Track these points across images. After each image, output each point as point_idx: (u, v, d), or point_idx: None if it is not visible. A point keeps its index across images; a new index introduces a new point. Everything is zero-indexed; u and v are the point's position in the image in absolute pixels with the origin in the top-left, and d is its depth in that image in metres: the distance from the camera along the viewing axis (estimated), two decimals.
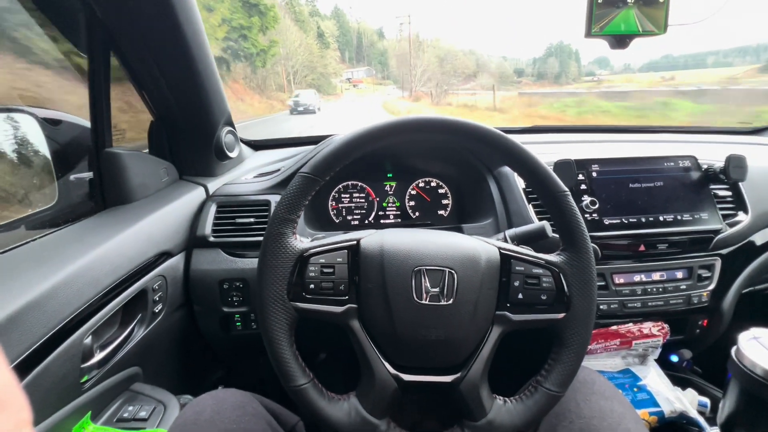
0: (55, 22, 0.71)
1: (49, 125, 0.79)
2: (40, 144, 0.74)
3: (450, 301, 0.49)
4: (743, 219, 0.88)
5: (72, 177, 0.77)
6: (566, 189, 0.52)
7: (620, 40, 0.81)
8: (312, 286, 0.51)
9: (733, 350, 0.70)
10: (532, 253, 0.54)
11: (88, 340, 0.57)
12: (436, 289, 0.50)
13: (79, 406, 0.57)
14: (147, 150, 0.92)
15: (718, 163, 0.88)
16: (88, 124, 0.80)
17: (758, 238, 0.91)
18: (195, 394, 0.67)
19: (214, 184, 0.93)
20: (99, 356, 0.60)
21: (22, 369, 0.47)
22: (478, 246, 0.53)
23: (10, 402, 0.22)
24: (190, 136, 0.90)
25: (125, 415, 0.63)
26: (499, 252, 0.53)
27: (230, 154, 0.97)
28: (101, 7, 0.67)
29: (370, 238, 0.53)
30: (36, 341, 0.48)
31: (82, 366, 0.56)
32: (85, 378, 0.58)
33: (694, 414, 0.78)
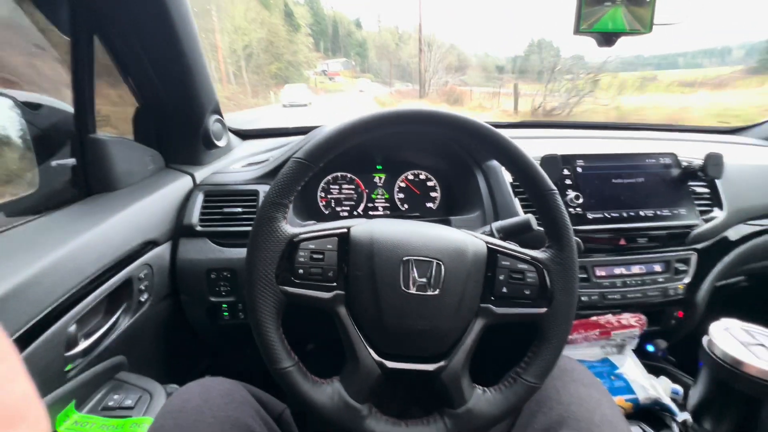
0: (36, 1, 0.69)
1: (29, 109, 0.76)
2: (20, 128, 0.71)
3: (436, 292, 0.50)
4: (718, 215, 0.91)
5: (53, 163, 0.75)
6: (554, 188, 0.53)
7: (607, 38, 0.83)
8: (301, 271, 0.51)
9: (704, 340, 0.73)
10: (518, 248, 0.55)
11: (72, 329, 0.57)
12: (424, 279, 0.50)
13: (63, 395, 0.56)
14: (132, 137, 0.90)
15: (697, 160, 0.91)
16: (70, 108, 0.78)
17: (732, 234, 0.95)
18: (181, 383, 0.67)
19: (201, 173, 0.91)
20: (83, 345, 0.59)
21: None
22: (467, 239, 0.54)
23: (29, 414, 0.21)
24: (177, 124, 0.89)
25: (110, 403, 0.63)
26: (487, 246, 0.54)
27: (218, 143, 0.96)
28: None
29: (361, 227, 0.54)
30: (18, 329, 0.47)
31: (66, 354, 0.56)
32: (69, 366, 0.57)
33: (667, 401, 0.82)
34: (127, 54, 0.74)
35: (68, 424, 0.57)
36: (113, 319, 0.66)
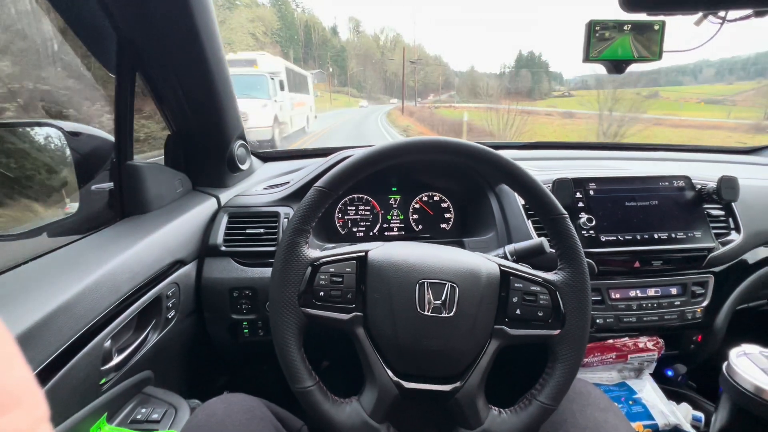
0: (86, 43, 0.76)
1: (72, 137, 0.83)
2: (65, 155, 0.78)
3: (451, 314, 0.52)
4: (735, 238, 0.91)
5: (93, 187, 0.81)
6: (565, 212, 0.55)
7: (617, 66, 0.86)
8: (321, 293, 0.54)
9: (724, 366, 0.72)
10: (531, 271, 0.56)
11: (107, 344, 0.60)
12: (438, 302, 0.52)
13: (97, 407, 0.59)
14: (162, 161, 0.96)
15: (711, 183, 0.91)
16: (105, 135, 0.84)
17: (750, 257, 0.94)
18: (202, 398, 0.70)
19: (225, 195, 0.96)
20: (117, 359, 0.63)
21: (49, 369, 0.50)
22: (480, 262, 0.56)
23: (26, 398, 0.21)
24: (205, 149, 0.95)
25: (138, 417, 0.66)
26: (500, 269, 0.56)
27: (242, 167, 1.01)
28: (130, 30, 0.71)
29: (378, 250, 0.56)
30: (63, 343, 0.51)
31: (102, 368, 0.59)
32: (104, 380, 0.60)
33: (687, 427, 0.80)
34: (163, 87, 0.81)
35: None
36: (143, 334, 0.70)
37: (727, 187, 0.88)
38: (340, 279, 0.54)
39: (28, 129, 0.74)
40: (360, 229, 1.04)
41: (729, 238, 0.91)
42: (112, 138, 0.80)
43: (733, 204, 0.93)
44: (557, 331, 0.54)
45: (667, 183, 0.92)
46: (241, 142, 1.00)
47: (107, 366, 0.61)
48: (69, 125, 0.84)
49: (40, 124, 0.76)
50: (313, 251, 0.55)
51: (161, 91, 0.81)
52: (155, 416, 0.66)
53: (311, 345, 0.63)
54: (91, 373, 0.57)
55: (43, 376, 0.49)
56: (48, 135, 0.75)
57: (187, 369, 0.89)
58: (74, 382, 0.54)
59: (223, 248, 0.86)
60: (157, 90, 0.81)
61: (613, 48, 0.84)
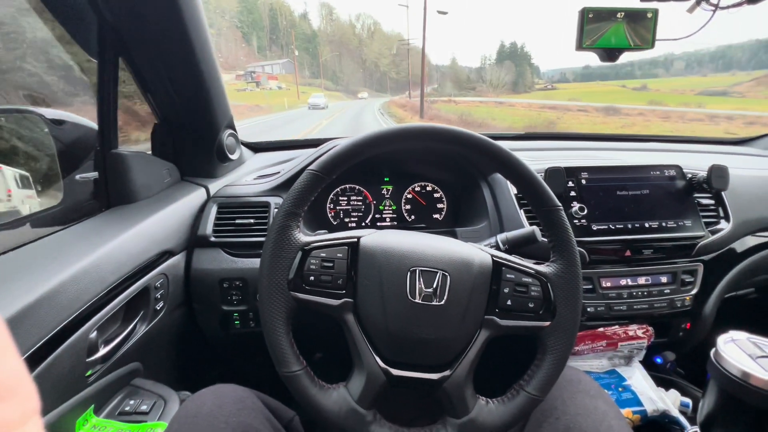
0: (67, 27, 0.73)
1: (55, 125, 0.81)
2: (48, 144, 0.76)
3: (442, 302, 0.52)
4: (725, 227, 0.92)
5: (77, 177, 0.79)
6: (559, 204, 0.54)
7: (610, 54, 0.85)
8: (312, 278, 0.53)
9: (712, 352, 0.73)
10: (523, 262, 0.56)
11: (93, 335, 0.59)
12: (429, 290, 0.52)
13: (83, 399, 0.58)
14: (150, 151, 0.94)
15: (702, 172, 0.91)
16: (90, 124, 0.82)
17: (739, 246, 0.95)
18: (193, 390, 0.69)
19: (215, 186, 0.95)
20: (103, 351, 0.62)
21: (32, 360, 0.49)
22: (472, 252, 0.55)
23: (19, 390, 0.21)
24: (193, 139, 0.93)
25: (127, 408, 0.65)
26: (492, 259, 0.55)
27: (231, 156, 1.00)
28: (113, 14, 0.69)
29: (371, 237, 0.56)
30: (46, 334, 0.50)
31: (87, 360, 0.58)
32: (90, 372, 0.59)
33: (675, 413, 0.81)
34: (148, 74, 0.79)
35: (87, 428, 0.59)
36: (131, 326, 0.69)
37: (717, 176, 0.89)
38: (330, 264, 0.54)
39: (4, 116, 0.72)
40: (352, 219, 1.03)
41: (718, 227, 0.92)
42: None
43: (723, 193, 0.94)
44: (547, 323, 0.53)
45: (658, 172, 0.92)
46: (231, 131, 0.99)
47: (93, 357, 0.60)
48: (52, 113, 0.81)
49: (19, 111, 0.73)
50: (304, 236, 0.55)
51: (146, 77, 0.79)
52: (144, 408, 0.65)
53: (306, 335, 0.62)
54: (76, 365, 0.56)
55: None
56: (27, 123, 0.73)
57: (177, 361, 0.89)
58: (58, 374, 0.53)
59: (213, 239, 0.85)
60: (141, 76, 0.78)
61: (606, 36, 0.83)
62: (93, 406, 0.61)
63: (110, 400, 0.65)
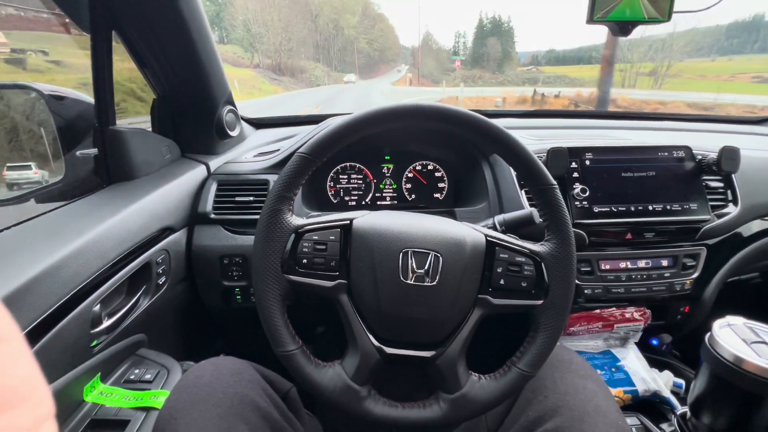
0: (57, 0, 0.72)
1: (54, 101, 0.81)
2: (47, 119, 0.76)
3: (434, 282, 0.52)
4: (732, 211, 0.89)
5: (78, 153, 0.79)
6: (554, 182, 0.53)
7: (623, 27, 0.80)
8: (305, 260, 0.54)
9: (706, 336, 0.73)
10: (517, 241, 0.56)
11: (96, 308, 0.61)
12: (421, 270, 0.52)
13: (89, 368, 0.61)
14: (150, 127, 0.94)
15: (713, 154, 0.88)
16: (91, 100, 0.82)
17: (745, 230, 0.92)
18: (196, 361, 0.72)
19: (215, 162, 0.95)
20: (107, 323, 0.64)
21: (36, 333, 0.51)
22: (465, 232, 0.55)
23: (30, 395, 0.20)
24: (192, 115, 0.92)
25: (132, 377, 0.68)
26: (486, 239, 0.55)
27: (231, 133, 0.99)
28: None
29: (363, 219, 0.56)
30: (49, 307, 0.52)
31: (92, 331, 0.61)
32: (95, 342, 0.62)
33: (667, 393, 0.82)
34: (143, 48, 0.77)
35: (94, 394, 0.62)
36: (134, 299, 0.71)
37: (728, 158, 0.85)
38: (323, 247, 0.54)
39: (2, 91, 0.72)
40: (352, 198, 1.03)
41: (725, 210, 0.90)
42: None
43: (732, 176, 0.91)
44: (540, 302, 0.54)
45: (666, 153, 0.90)
46: (230, 107, 0.98)
47: (97, 329, 0.62)
48: (51, 88, 0.81)
49: (18, 87, 0.73)
50: (297, 219, 0.55)
51: (141, 51, 0.78)
52: (148, 377, 0.68)
53: (306, 311, 0.63)
54: (81, 336, 0.58)
55: (30, 338, 0.50)
56: (25, 98, 0.73)
57: (180, 333, 0.92)
58: (64, 344, 0.55)
59: (213, 216, 0.86)
60: (136, 50, 0.77)
61: (621, 8, 0.78)
62: (100, 374, 0.64)
63: (116, 368, 0.69)
